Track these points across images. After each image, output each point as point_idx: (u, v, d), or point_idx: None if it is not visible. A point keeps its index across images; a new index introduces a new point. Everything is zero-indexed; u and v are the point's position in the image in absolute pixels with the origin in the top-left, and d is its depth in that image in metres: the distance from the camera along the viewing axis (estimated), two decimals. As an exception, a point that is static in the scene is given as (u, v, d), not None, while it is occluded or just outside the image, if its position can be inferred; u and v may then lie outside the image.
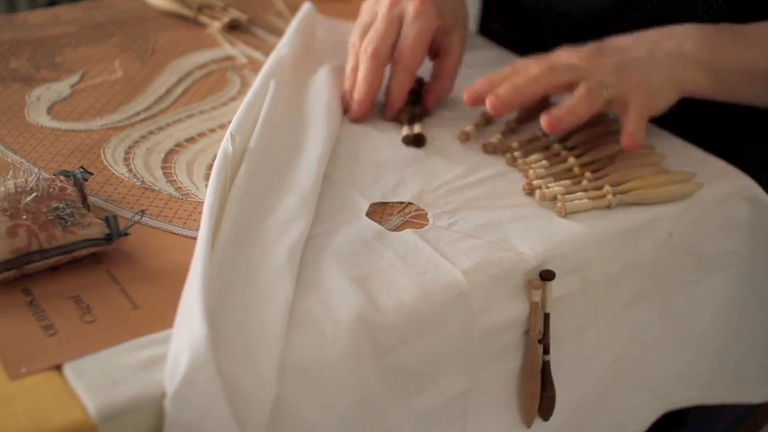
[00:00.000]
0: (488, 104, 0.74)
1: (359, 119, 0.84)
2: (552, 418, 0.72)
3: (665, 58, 0.78)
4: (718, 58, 0.79)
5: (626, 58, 0.78)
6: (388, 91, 0.84)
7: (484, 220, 0.70)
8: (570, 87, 0.76)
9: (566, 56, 0.80)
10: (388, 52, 0.84)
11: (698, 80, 0.79)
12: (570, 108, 0.73)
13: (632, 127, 0.73)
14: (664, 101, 0.78)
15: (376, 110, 0.86)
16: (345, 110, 0.85)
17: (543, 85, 0.76)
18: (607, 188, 0.74)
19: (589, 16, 0.95)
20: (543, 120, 0.71)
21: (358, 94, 0.83)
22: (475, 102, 0.79)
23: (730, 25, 0.82)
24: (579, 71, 0.77)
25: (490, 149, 0.80)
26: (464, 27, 0.90)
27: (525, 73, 0.78)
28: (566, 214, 0.72)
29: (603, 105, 0.76)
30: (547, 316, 0.68)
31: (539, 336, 0.69)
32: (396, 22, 0.84)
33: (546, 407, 0.71)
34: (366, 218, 0.70)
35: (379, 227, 0.69)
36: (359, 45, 0.85)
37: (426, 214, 0.71)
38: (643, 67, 0.77)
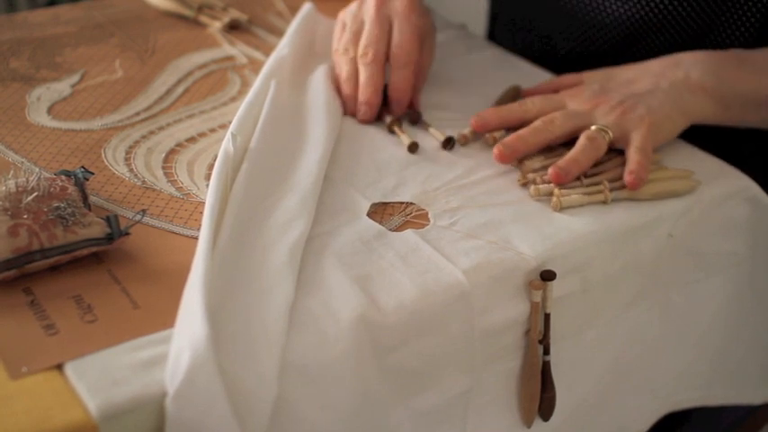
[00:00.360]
0: (496, 152, 0.77)
1: (369, 120, 0.84)
2: (552, 419, 0.72)
3: (670, 89, 0.79)
4: (724, 85, 0.80)
5: (629, 93, 0.80)
6: (393, 88, 0.84)
7: (485, 220, 0.70)
8: (574, 133, 0.78)
9: (570, 99, 0.81)
10: (386, 53, 0.85)
11: (705, 108, 0.80)
12: (574, 159, 0.75)
13: (633, 165, 0.74)
14: (669, 131, 0.79)
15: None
16: (347, 114, 0.85)
17: (547, 136, 0.78)
18: (604, 183, 0.74)
19: (607, 44, 0.95)
20: (551, 173, 0.74)
21: (364, 96, 0.84)
22: (481, 128, 0.81)
23: (738, 51, 0.83)
24: (581, 118, 0.78)
25: (492, 142, 0.80)
26: (434, 34, 0.92)
27: (530, 112, 0.80)
28: (561, 209, 0.72)
29: (606, 147, 0.77)
30: (547, 316, 0.68)
31: (539, 336, 0.69)
32: (386, 23, 0.86)
33: (546, 407, 0.71)
34: (367, 218, 0.70)
35: (380, 227, 0.69)
36: (353, 51, 0.86)
37: (427, 214, 0.71)
38: (647, 101, 0.78)
